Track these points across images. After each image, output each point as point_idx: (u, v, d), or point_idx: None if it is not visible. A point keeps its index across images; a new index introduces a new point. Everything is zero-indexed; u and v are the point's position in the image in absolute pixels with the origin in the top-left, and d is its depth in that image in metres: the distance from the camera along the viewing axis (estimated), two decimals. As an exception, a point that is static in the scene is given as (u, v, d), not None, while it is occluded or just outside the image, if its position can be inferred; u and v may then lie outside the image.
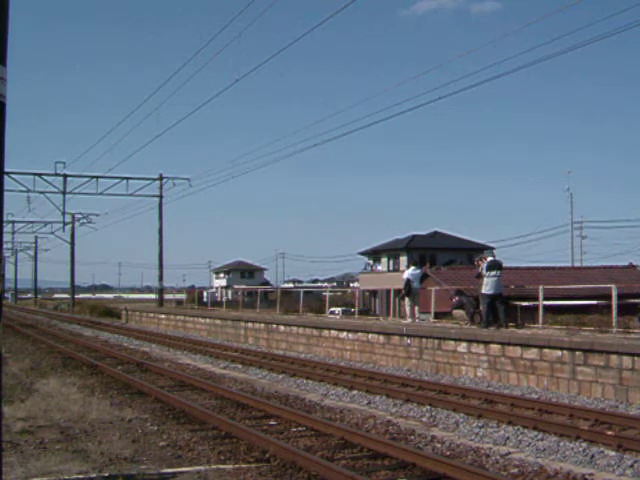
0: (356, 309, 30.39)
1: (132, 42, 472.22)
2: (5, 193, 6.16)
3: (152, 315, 43.38)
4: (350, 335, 21.48)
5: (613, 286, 17.29)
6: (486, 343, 16.24)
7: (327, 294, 34.05)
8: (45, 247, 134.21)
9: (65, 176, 46.01)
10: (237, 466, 8.27)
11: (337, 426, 10.22)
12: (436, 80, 22.59)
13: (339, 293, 59.71)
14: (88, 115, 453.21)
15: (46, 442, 9.56)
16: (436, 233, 58.25)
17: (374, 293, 52.80)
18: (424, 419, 11.52)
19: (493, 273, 18.51)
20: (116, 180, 45.54)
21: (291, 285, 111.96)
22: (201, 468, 8.19)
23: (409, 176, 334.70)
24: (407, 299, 22.27)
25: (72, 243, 65.87)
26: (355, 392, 14.44)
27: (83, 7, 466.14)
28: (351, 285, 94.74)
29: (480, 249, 51.19)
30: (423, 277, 25.01)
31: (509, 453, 9.01)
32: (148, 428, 10.57)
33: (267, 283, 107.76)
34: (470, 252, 52.74)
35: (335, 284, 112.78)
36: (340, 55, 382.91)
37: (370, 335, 20.49)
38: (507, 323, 18.18)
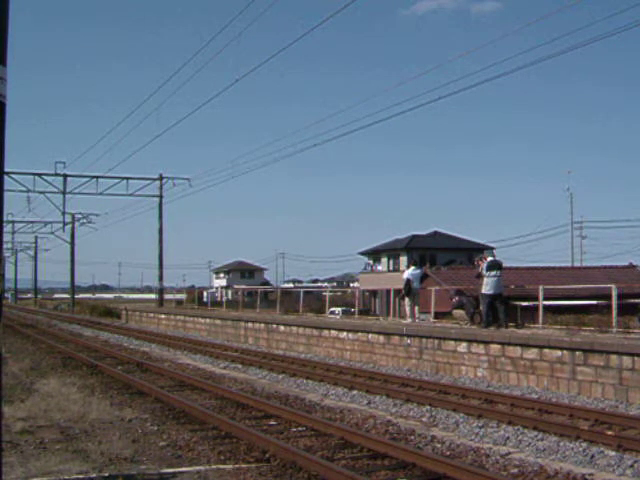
0: (356, 309, 30.39)
1: (132, 42, 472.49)
2: (5, 193, 6.16)
3: (152, 315, 43.38)
4: (350, 335, 21.48)
5: (613, 286, 17.29)
6: (486, 343, 16.24)
7: (327, 294, 34.07)
8: (45, 247, 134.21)
9: (65, 176, 46.04)
10: (237, 466, 8.27)
11: (337, 426, 10.22)
12: (436, 80, 22.63)
13: (339, 293, 59.72)
14: (88, 115, 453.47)
15: (46, 442, 9.56)
16: (436, 233, 58.24)
17: (374, 293, 52.80)
18: (424, 419, 11.52)
19: (493, 273, 18.52)
20: (116, 180, 45.61)
21: (291, 285, 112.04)
22: (201, 468, 8.20)
23: (409, 176, 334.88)
24: (407, 299, 22.27)
25: (72, 243, 65.89)
26: (355, 392, 14.44)
27: (83, 7, 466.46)
28: (351, 285, 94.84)
29: (480, 249, 51.19)
30: (423, 277, 25.00)
31: (509, 453, 9.01)
32: (148, 428, 10.58)
33: (267, 283, 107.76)
34: (470, 252, 52.71)
35: (335, 284, 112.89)
36: (340, 55, 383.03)
37: (370, 335, 20.49)
38: (507, 323, 18.18)
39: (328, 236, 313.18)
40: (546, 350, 14.66)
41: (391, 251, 57.12)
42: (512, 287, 24.11)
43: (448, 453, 8.96)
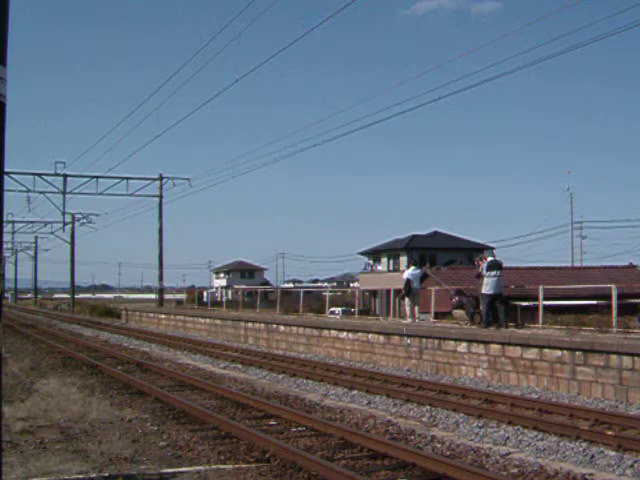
0: (356, 309, 30.39)
1: (132, 42, 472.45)
2: (5, 193, 6.16)
3: (152, 315, 43.38)
4: (350, 335, 21.48)
5: (613, 286, 17.29)
6: (486, 343, 16.24)
7: (327, 294, 34.07)
8: (45, 247, 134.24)
9: (65, 176, 46.05)
10: (237, 466, 8.27)
11: (337, 426, 10.22)
12: (436, 80, 22.64)
13: (339, 293, 59.72)
14: (88, 115, 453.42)
15: (46, 442, 9.56)
16: (436, 233, 58.24)
17: (374, 293, 52.79)
18: (424, 419, 11.52)
19: (493, 273, 18.52)
20: (116, 180, 45.61)
21: (291, 285, 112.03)
22: (201, 468, 8.20)
23: (409, 176, 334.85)
24: (407, 299, 22.27)
25: (72, 243, 65.89)
26: (355, 392, 14.44)
27: (83, 7, 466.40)
28: (351, 285, 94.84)
29: (480, 249, 51.20)
30: (423, 277, 25.00)
31: (509, 453, 9.01)
32: (148, 428, 10.58)
33: (267, 283, 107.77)
34: (470, 252, 52.72)
35: (335, 284, 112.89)
36: (340, 55, 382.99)
37: (370, 335, 20.49)
38: (507, 323, 18.18)
39: (328, 236, 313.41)
40: (546, 350, 14.66)
41: (391, 251, 57.12)
42: (512, 287, 24.11)
43: (448, 453, 8.96)
